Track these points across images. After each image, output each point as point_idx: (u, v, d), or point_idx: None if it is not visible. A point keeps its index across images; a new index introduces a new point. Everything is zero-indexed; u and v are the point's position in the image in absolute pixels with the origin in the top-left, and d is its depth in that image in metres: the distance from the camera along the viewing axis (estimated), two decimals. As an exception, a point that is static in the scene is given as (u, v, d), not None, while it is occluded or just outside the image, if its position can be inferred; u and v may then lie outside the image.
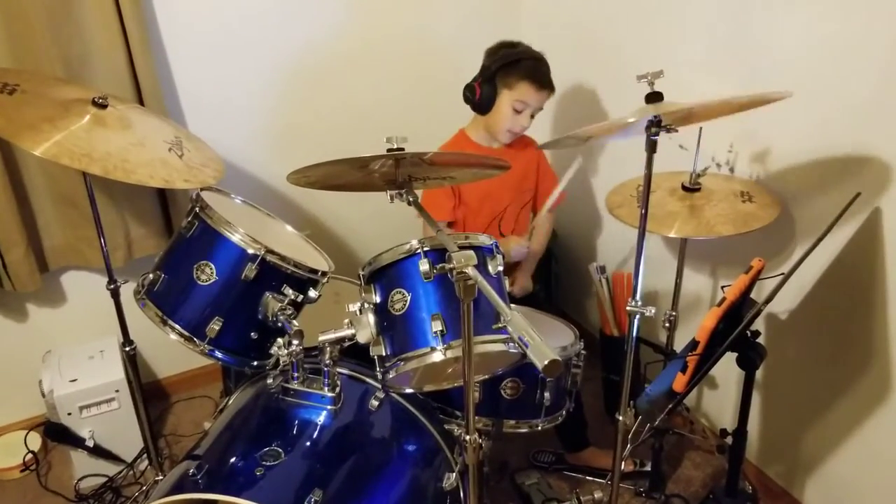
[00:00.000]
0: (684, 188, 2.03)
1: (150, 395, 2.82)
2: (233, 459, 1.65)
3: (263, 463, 1.60)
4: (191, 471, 1.58)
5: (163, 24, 2.40)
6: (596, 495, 2.16)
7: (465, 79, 2.26)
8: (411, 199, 1.44)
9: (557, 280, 3.14)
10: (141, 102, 2.28)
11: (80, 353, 2.49)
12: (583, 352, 2.05)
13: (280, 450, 1.64)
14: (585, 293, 3.15)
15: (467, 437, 1.38)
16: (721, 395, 2.54)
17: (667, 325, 2.23)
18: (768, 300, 1.55)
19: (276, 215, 2.11)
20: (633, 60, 2.50)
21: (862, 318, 1.97)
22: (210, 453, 1.69)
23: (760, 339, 2.13)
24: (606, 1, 2.64)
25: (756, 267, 1.75)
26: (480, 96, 2.20)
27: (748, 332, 1.76)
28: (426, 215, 1.43)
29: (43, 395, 2.37)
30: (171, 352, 2.77)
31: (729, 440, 1.94)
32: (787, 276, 1.63)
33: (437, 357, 1.51)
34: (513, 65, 2.17)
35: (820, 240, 1.68)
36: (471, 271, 1.18)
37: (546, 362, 1.01)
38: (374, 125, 2.66)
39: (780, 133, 2.07)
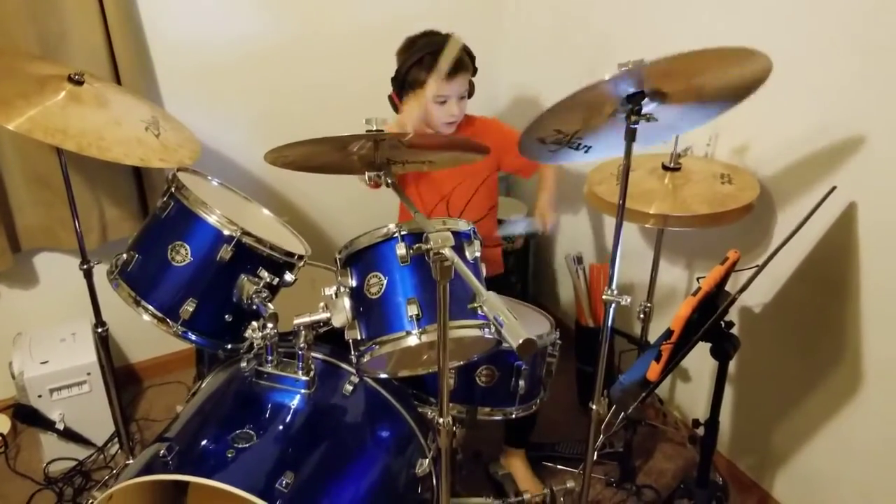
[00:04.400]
0: (664, 168, 2.04)
1: (123, 380, 2.80)
2: (204, 442, 1.64)
3: (235, 445, 1.60)
4: (161, 452, 1.57)
5: (141, 3, 2.38)
6: (568, 485, 2.18)
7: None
8: (390, 181, 1.43)
9: (535, 272, 3.16)
10: (118, 82, 2.26)
11: (52, 335, 2.47)
12: (558, 341, 2.05)
13: (252, 432, 1.64)
14: (562, 285, 3.16)
15: (441, 421, 1.37)
16: (694, 388, 2.56)
17: (641, 315, 2.24)
18: (742, 289, 1.56)
19: (253, 199, 2.09)
20: (618, 53, 2.49)
21: (835, 312, 1.99)
22: (181, 435, 1.68)
23: (734, 332, 2.15)
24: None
25: (732, 258, 1.76)
26: (402, 105, 2.21)
27: (722, 322, 1.77)
28: (405, 199, 1.43)
29: (13, 377, 2.34)
30: (145, 336, 2.77)
31: (701, 431, 1.95)
32: (761, 267, 1.64)
33: (413, 341, 1.51)
34: (417, 65, 2.13)
35: (794, 232, 1.70)
36: (447, 252, 1.18)
37: (520, 341, 1.01)
38: (354, 115, 2.64)
39: (758, 127, 2.09)
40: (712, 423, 1.91)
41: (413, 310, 1.51)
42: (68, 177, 1.88)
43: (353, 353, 1.63)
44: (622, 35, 2.52)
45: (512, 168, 2.44)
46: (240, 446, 1.60)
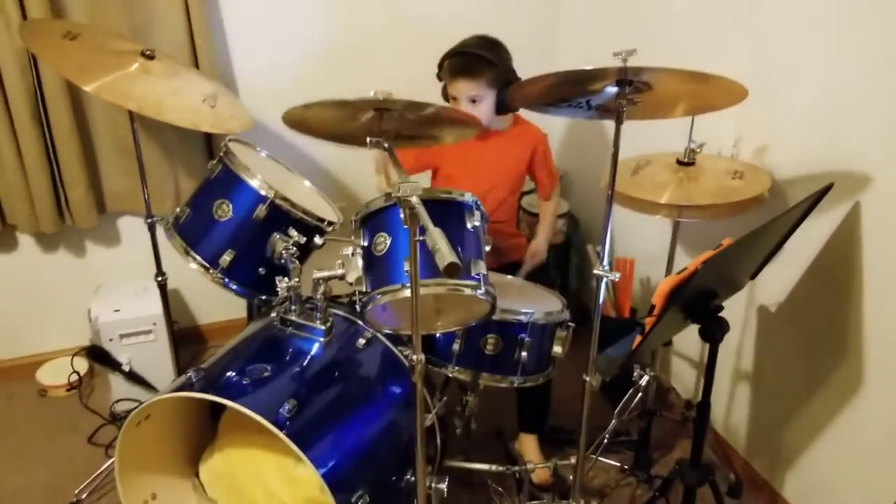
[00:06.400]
0: (679, 162, 2.15)
1: (189, 338, 3.12)
2: (228, 372, 1.87)
3: (253, 376, 1.82)
4: (190, 375, 1.82)
5: (223, 4, 2.70)
6: (573, 460, 2.29)
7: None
8: (387, 146, 1.62)
9: (579, 268, 3.27)
10: (197, 67, 2.56)
11: (127, 288, 2.78)
12: (570, 323, 2.17)
13: (270, 367, 1.86)
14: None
15: (414, 358, 1.54)
16: (717, 390, 2.61)
17: (651, 306, 2.33)
18: (706, 261, 1.66)
19: (296, 171, 2.33)
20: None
21: (839, 311, 2.04)
22: (211, 366, 1.91)
23: (752, 330, 2.22)
24: None
25: (725, 245, 1.86)
26: (444, 97, 2.42)
27: (711, 305, 1.86)
28: (398, 166, 1.60)
29: (90, 321, 2.66)
30: (211, 301, 3.07)
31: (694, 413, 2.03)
32: (728, 247, 1.72)
33: (408, 293, 1.67)
34: (441, 66, 2.37)
35: (779, 218, 1.78)
36: (414, 200, 1.35)
37: (446, 263, 1.18)
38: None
39: (779, 131, 2.18)
40: (704, 405, 1.98)
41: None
42: (138, 139, 2.18)
43: (358, 303, 1.80)
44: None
45: (534, 175, 2.64)
46: (256, 377, 1.82)
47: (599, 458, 2.49)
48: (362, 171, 3.05)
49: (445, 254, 1.20)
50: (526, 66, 2.35)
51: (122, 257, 2.93)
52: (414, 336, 1.53)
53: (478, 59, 2.29)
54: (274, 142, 2.68)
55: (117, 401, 2.72)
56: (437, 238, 1.25)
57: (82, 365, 2.89)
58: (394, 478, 1.94)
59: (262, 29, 2.79)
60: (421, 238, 1.32)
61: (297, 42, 2.87)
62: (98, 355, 2.64)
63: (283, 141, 2.81)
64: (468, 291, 1.70)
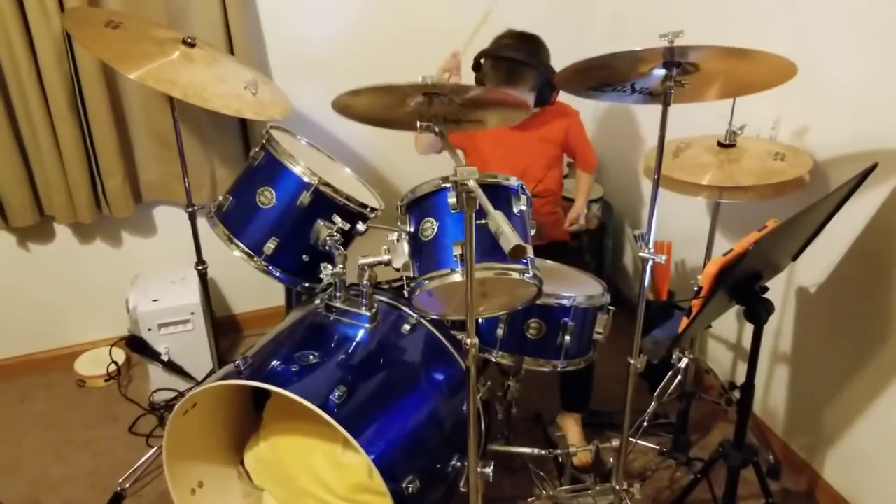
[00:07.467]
0: (720, 144, 2.15)
1: (226, 328, 3.14)
2: (275, 360, 1.87)
3: (300, 363, 1.83)
4: (237, 363, 1.82)
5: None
6: (614, 443, 2.29)
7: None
8: (437, 130, 1.62)
9: (614, 251, 3.26)
10: (232, 53, 2.56)
11: (165, 278, 2.79)
12: (610, 307, 2.17)
13: (317, 354, 1.87)
14: (636, 266, 3.25)
15: (468, 341, 1.54)
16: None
17: (696, 288, 2.32)
18: (757, 241, 1.65)
19: (337, 158, 2.33)
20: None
21: (881, 292, 2.03)
22: (257, 354, 1.93)
23: (792, 311, 2.20)
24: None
25: (770, 226, 1.85)
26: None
27: (756, 286, 1.86)
28: (452, 150, 1.59)
29: (128, 311, 2.67)
30: (248, 290, 3.09)
31: (737, 394, 2.03)
32: (779, 226, 1.70)
33: (456, 278, 1.68)
34: (480, 68, 2.40)
35: (825, 199, 1.77)
36: (471, 184, 1.35)
37: (511, 246, 1.18)
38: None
39: (821, 112, 2.16)
40: (748, 386, 1.97)
41: (458, 250, 1.68)
42: (178, 128, 2.19)
43: (406, 289, 1.81)
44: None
45: (571, 152, 2.64)
46: (304, 364, 1.83)
47: (638, 441, 2.50)
48: (396, 157, 3.08)
49: (510, 236, 1.20)
50: (559, 51, 2.37)
51: (158, 247, 2.95)
52: (468, 319, 1.52)
53: (521, 65, 2.31)
54: (308, 127, 2.68)
55: (156, 391, 2.74)
56: (500, 221, 1.25)
57: (120, 355, 2.92)
58: (439, 464, 1.94)
59: (294, 12, 2.78)
60: (482, 221, 1.32)
61: (330, 26, 2.85)
62: (136, 345, 2.66)
63: (315, 125, 2.82)
64: (516, 275, 1.70)
